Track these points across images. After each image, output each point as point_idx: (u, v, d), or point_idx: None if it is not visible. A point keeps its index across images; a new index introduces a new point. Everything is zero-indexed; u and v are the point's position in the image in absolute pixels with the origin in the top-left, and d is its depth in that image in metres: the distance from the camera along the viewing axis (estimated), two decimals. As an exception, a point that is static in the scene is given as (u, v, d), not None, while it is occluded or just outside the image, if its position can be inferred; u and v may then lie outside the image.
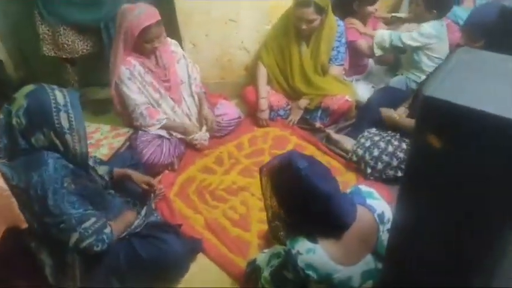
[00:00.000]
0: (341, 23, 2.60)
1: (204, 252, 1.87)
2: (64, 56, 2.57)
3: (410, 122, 2.16)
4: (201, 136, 2.41)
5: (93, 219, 1.44)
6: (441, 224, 0.71)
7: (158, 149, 2.25)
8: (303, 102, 2.64)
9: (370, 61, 2.97)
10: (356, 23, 2.77)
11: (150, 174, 2.20)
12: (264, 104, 2.63)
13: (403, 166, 2.12)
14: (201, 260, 1.84)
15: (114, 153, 2.23)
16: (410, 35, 2.49)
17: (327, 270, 1.24)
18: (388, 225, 1.35)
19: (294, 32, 2.51)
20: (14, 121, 1.35)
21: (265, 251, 1.69)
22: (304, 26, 2.41)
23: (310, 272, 1.24)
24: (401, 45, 2.54)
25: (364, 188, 1.46)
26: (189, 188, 2.25)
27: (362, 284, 1.31)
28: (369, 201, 1.37)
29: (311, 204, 1.23)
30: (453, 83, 0.64)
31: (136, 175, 1.90)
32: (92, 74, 2.92)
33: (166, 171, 2.34)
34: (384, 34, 2.60)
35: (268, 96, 2.66)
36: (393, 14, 3.08)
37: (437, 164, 0.67)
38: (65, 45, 2.50)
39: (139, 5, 2.13)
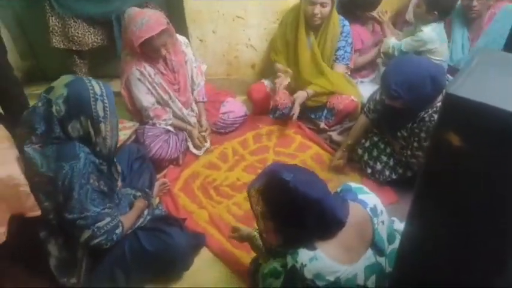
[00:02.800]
0: (346, 22, 2.61)
1: (208, 247, 1.88)
2: (74, 48, 2.57)
3: None
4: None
5: (107, 219, 1.46)
6: (458, 225, 0.71)
7: (165, 144, 2.26)
8: (301, 96, 2.54)
9: (379, 64, 2.97)
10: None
11: (156, 169, 2.22)
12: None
13: (399, 168, 2.14)
14: (205, 254, 1.85)
15: (119, 146, 2.23)
16: (410, 43, 2.49)
17: (335, 274, 1.25)
18: (382, 217, 1.38)
19: (303, 24, 2.50)
20: (53, 109, 1.39)
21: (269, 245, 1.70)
22: (316, 11, 2.40)
23: (320, 282, 1.25)
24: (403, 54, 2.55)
25: (353, 184, 1.48)
26: (194, 183, 2.26)
27: (366, 281, 1.33)
28: (360, 196, 1.39)
29: (304, 211, 1.24)
30: (475, 82, 0.65)
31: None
32: (100, 66, 2.92)
33: (171, 166, 2.35)
34: (389, 43, 2.61)
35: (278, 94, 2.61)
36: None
37: (456, 163, 0.68)
38: (75, 38, 2.50)
39: (145, 12, 2.06)
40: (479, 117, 0.60)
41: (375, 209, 1.37)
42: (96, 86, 1.46)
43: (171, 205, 2.08)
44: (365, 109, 2.27)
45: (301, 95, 2.54)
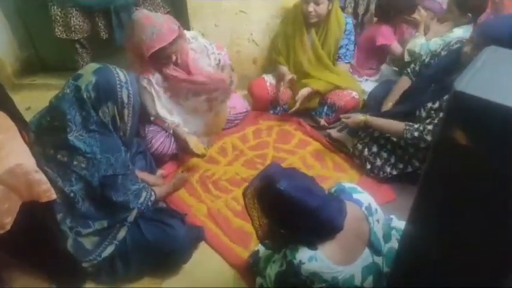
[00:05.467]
0: (349, 20, 2.60)
1: (206, 240, 1.88)
2: (75, 38, 2.57)
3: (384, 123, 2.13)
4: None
5: (144, 194, 1.68)
6: (462, 225, 0.71)
7: (167, 139, 2.22)
8: (305, 92, 2.53)
9: (383, 65, 2.97)
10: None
11: (156, 163, 2.21)
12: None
13: (399, 164, 2.13)
14: (203, 248, 1.85)
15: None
16: (439, 43, 2.43)
17: (332, 274, 1.25)
18: (377, 216, 1.38)
19: (302, 22, 2.49)
20: (84, 95, 1.47)
21: (267, 241, 1.70)
22: (310, 9, 2.38)
23: (316, 281, 1.25)
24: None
25: (347, 184, 1.48)
26: (193, 177, 2.25)
27: (363, 281, 1.33)
28: (355, 195, 1.39)
29: (300, 218, 1.23)
30: (483, 79, 0.65)
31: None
32: (103, 56, 2.91)
33: (170, 161, 2.33)
34: (417, 42, 2.58)
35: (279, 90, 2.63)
36: None
37: (462, 161, 0.67)
38: (77, 27, 2.50)
39: (154, 19, 1.89)
40: (487, 115, 0.60)
41: (370, 208, 1.37)
42: (121, 74, 1.53)
43: (170, 198, 2.07)
44: (409, 70, 2.29)
45: (305, 91, 2.53)
